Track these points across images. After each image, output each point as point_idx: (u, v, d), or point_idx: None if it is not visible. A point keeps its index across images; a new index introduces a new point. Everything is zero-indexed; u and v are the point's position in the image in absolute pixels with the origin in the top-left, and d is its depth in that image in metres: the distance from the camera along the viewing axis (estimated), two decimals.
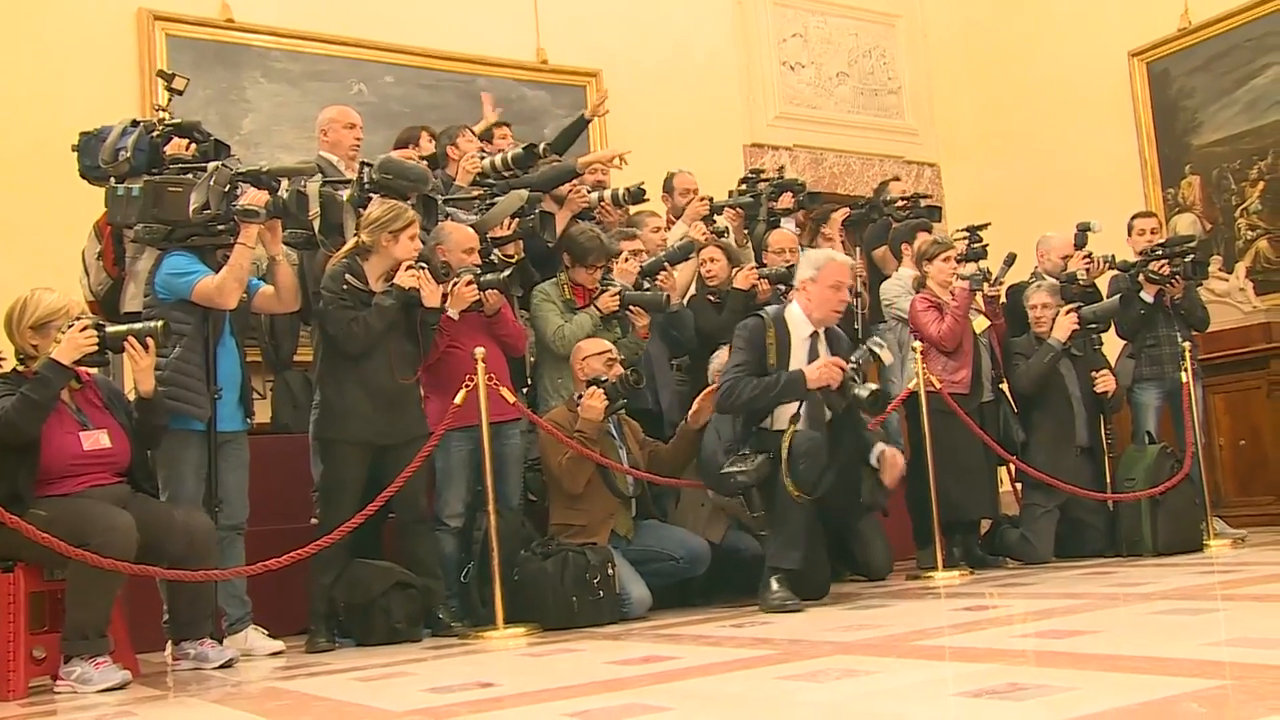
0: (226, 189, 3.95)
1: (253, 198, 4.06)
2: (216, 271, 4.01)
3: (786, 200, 6.13)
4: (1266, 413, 6.96)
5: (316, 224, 4.62)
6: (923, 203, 6.62)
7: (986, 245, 5.92)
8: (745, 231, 6.15)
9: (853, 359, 4.35)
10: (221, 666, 3.73)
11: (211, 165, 4.02)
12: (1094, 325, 5.98)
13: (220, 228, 4.01)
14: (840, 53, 9.16)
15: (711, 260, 5.58)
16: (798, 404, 4.23)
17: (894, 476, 4.31)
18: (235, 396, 4.12)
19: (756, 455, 4.16)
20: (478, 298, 4.48)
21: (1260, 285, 7.48)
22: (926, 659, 2.78)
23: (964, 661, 2.69)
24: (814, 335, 4.41)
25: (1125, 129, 8.45)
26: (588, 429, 4.42)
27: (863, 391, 4.25)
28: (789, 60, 8.88)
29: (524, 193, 5.18)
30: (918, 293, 5.59)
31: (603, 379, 4.49)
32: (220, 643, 3.88)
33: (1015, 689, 2.15)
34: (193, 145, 4.38)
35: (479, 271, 4.54)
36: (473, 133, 5.78)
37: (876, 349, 4.40)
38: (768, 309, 4.59)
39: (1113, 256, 6.12)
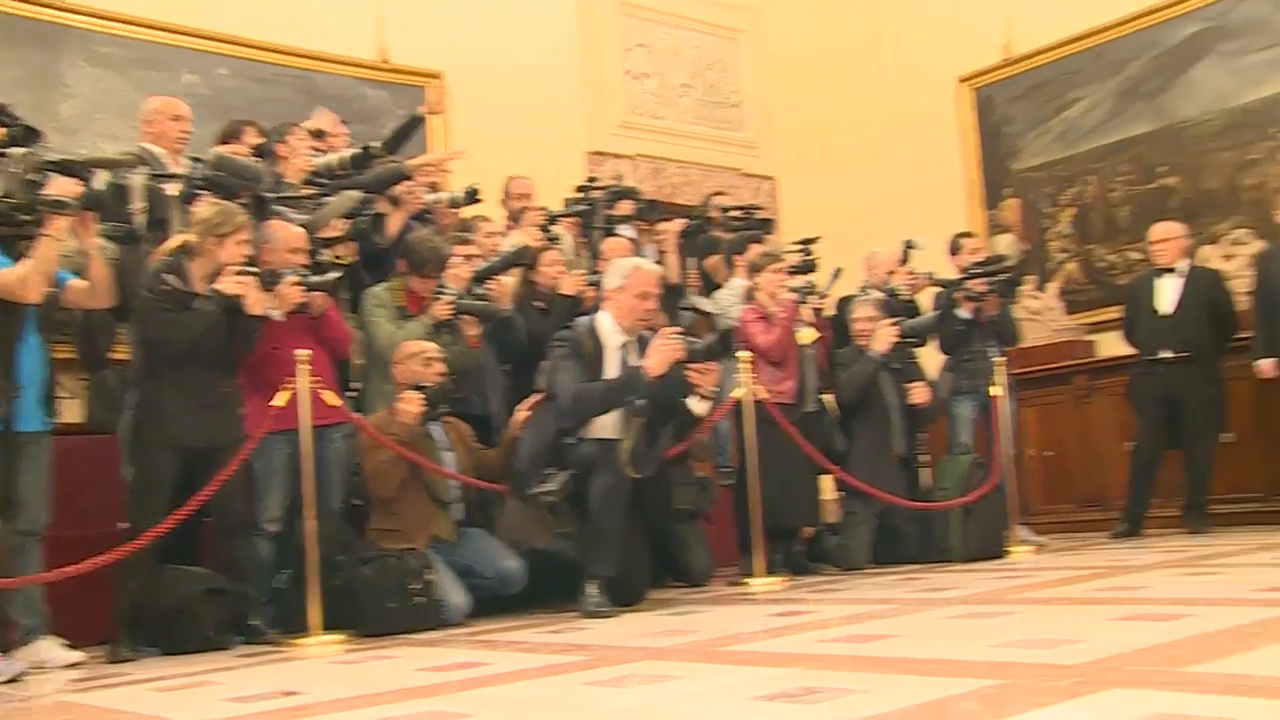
0: (32, 177, 3.77)
1: (63, 187, 3.89)
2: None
3: (625, 207, 6.18)
4: (1072, 425, 7.34)
5: (141, 218, 4.46)
6: (757, 215, 6.76)
7: (816, 259, 6.09)
8: (583, 240, 6.18)
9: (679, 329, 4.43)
10: (9, 681, 3.55)
11: (16, 150, 3.83)
12: (913, 339, 6.22)
13: (25, 218, 3.82)
14: (684, 64, 9.28)
15: (552, 265, 5.59)
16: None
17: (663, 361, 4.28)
18: (37, 395, 3.93)
19: (560, 473, 4.19)
20: (303, 300, 4.40)
21: (1070, 305, 7.88)
22: (733, 664, 2.85)
23: (768, 666, 2.75)
24: (625, 345, 4.45)
25: (952, 151, 8.80)
26: (401, 431, 4.38)
27: (705, 341, 4.36)
28: (633, 70, 8.97)
29: (356, 194, 5.11)
30: (748, 303, 5.71)
31: (423, 383, 4.46)
32: (8, 654, 3.69)
33: (810, 692, 2.22)
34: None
35: (306, 273, 4.46)
36: (307, 131, 5.65)
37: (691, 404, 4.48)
38: (580, 320, 4.61)
39: (932, 274, 6.36)
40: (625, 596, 4.32)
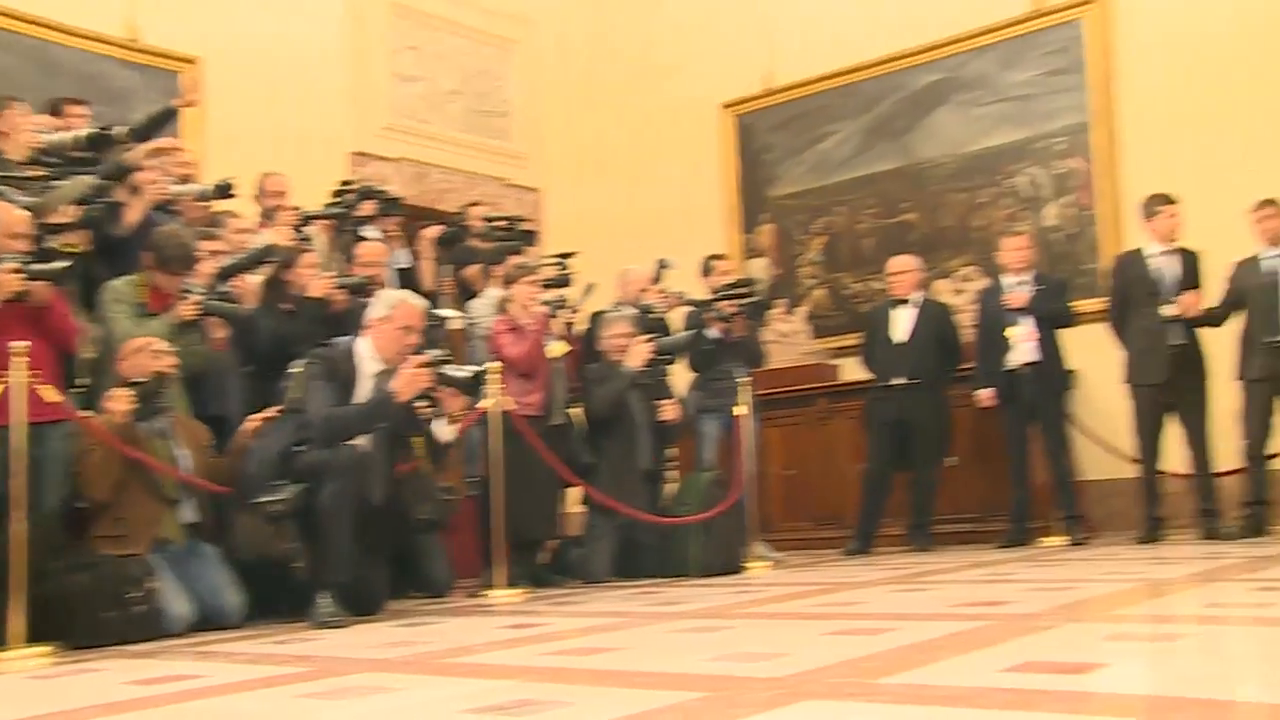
0: None
1: None
2: None
3: (368, 208, 6.08)
4: (813, 445, 7.66)
5: None
6: (520, 227, 6.78)
7: (572, 273, 6.15)
8: (337, 241, 6.05)
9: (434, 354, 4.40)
10: None
11: None
12: (666, 356, 6.37)
13: None
14: (454, 70, 9.22)
15: (309, 267, 5.43)
16: None
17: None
18: None
19: (290, 485, 4.10)
20: (23, 288, 4.13)
21: (817, 329, 8.24)
22: (456, 675, 2.83)
23: (488, 678, 2.76)
24: (380, 375, 4.40)
25: (713, 175, 9.08)
26: (114, 430, 4.17)
27: (463, 373, 4.36)
28: (401, 72, 8.84)
29: (90, 178, 4.83)
30: (500, 314, 5.72)
31: (139, 379, 4.26)
32: None
33: (523, 705, 2.24)
34: None
35: (28, 259, 4.19)
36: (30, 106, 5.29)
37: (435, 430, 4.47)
38: (338, 341, 4.55)
39: (683, 293, 6.54)
40: (361, 607, 4.26)
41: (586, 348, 6.32)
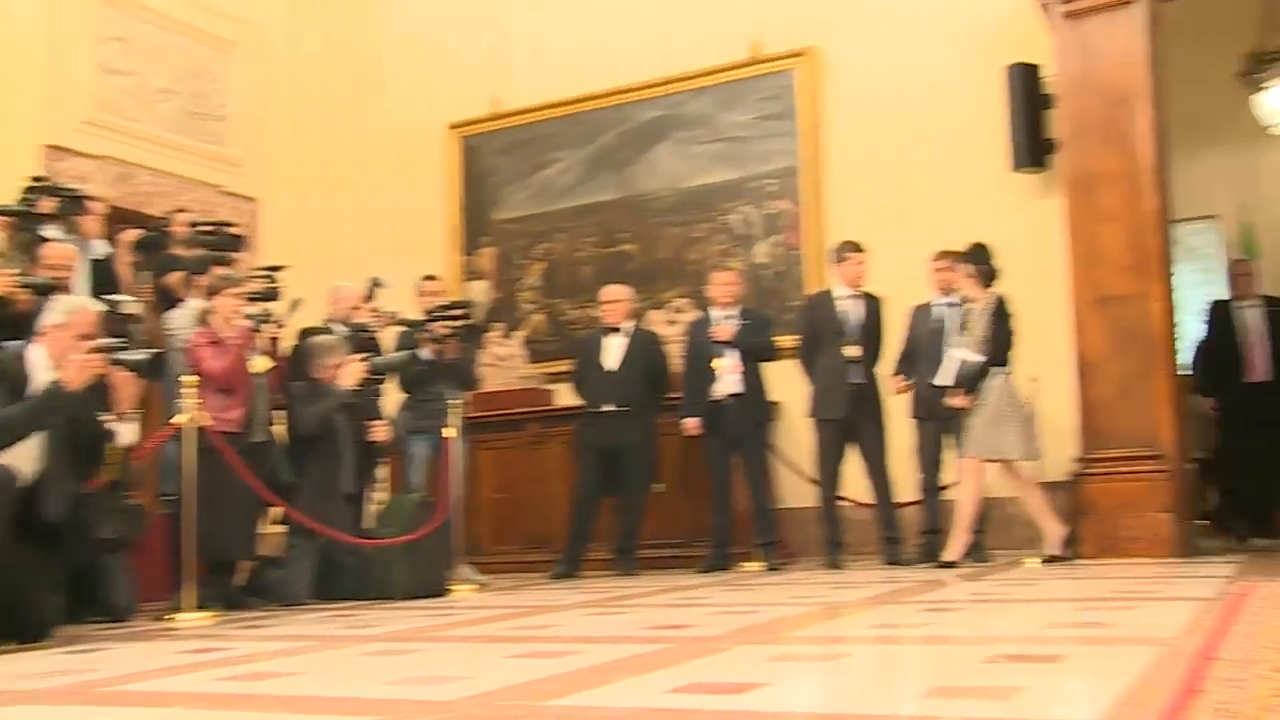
0: None
1: None
2: None
3: (48, 205, 5.69)
4: (525, 469, 7.71)
5: None
6: (227, 233, 6.50)
7: (280, 287, 5.96)
8: (16, 239, 5.62)
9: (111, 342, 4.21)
10: None
11: None
12: (379, 376, 6.27)
13: None
14: (167, 68, 8.78)
15: None
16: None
17: None
18: None
19: None
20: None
21: (534, 354, 8.30)
22: (114, 705, 2.68)
23: (147, 706, 2.62)
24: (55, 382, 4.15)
25: (437, 194, 9.02)
26: None
27: (139, 356, 4.22)
28: (107, 64, 8.34)
29: None
30: (201, 326, 5.48)
31: None
32: None
33: None
34: None
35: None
36: None
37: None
38: (9, 344, 4.28)
39: (396, 313, 6.46)
40: (26, 633, 3.95)
41: (292, 364, 6.13)
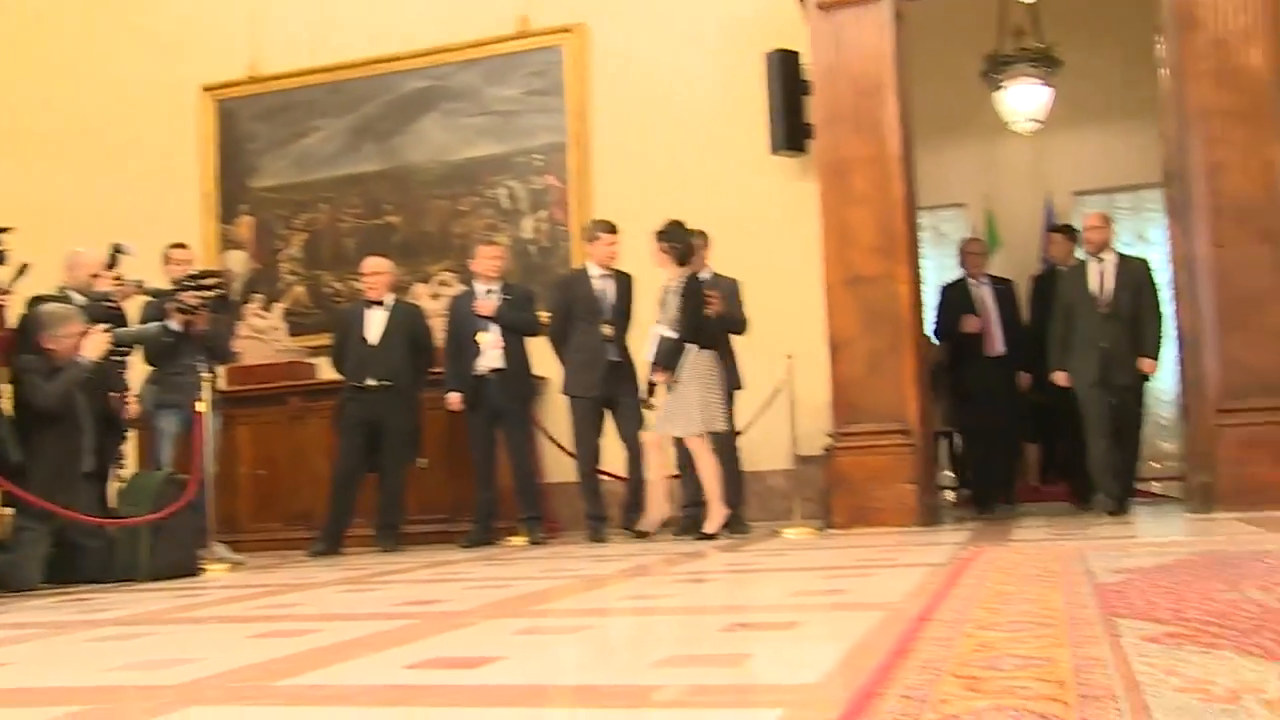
0: None
1: None
2: None
3: None
4: (285, 445, 7.50)
5: None
6: None
7: (6, 250, 5.56)
8: None
9: None
10: None
11: None
12: (124, 348, 5.95)
13: None
14: None
15: None
16: None
17: None
18: None
19: None
20: None
21: (294, 326, 8.07)
22: None
23: None
24: None
25: (190, 159, 8.61)
26: None
27: None
28: None
29: None
30: None
31: None
32: None
33: None
34: None
35: None
36: None
37: None
38: None
39: (142, 282, 6.15)
40: None
41: (20, 335, 5.74)
